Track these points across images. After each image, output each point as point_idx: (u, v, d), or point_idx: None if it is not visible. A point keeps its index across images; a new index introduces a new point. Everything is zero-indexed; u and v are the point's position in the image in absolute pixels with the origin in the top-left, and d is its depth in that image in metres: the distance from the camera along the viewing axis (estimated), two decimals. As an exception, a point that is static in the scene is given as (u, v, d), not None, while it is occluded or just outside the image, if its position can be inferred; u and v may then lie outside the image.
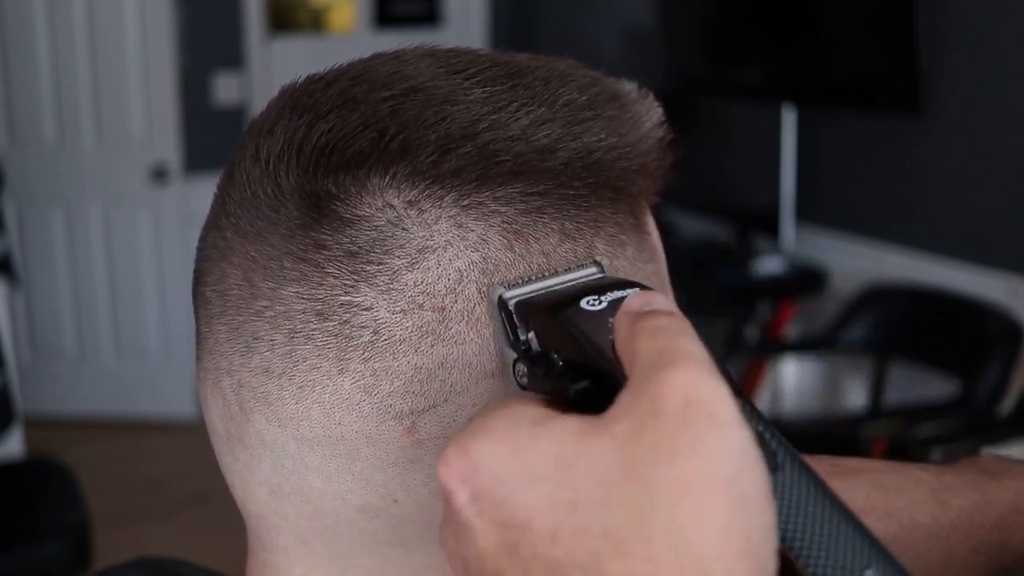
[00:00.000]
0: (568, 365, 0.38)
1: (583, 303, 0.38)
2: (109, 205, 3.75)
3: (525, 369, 0.39)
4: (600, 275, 0.41)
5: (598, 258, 0.41)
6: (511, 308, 0.40)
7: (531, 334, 0.39)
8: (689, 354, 0.33)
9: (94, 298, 3.82)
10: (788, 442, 0.35)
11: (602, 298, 0.38)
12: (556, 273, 0.41)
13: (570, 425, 0.33)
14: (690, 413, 0.31)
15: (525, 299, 0.40)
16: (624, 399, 0.33)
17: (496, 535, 0.33)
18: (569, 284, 0.40)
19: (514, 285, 0.40)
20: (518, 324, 0.40)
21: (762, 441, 0.34)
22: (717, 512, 0.30)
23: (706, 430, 0.31)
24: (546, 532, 0.32)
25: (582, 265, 0.41)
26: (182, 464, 3.50)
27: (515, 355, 0.40)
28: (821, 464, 0.46)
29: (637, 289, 0.39)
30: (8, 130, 3.68)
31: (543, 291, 0.40)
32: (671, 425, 0.31)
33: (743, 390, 0.36)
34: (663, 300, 0.36)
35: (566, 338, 0.38)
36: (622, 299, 0.38)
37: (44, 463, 2.58)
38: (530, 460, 0.33)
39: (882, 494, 0.46)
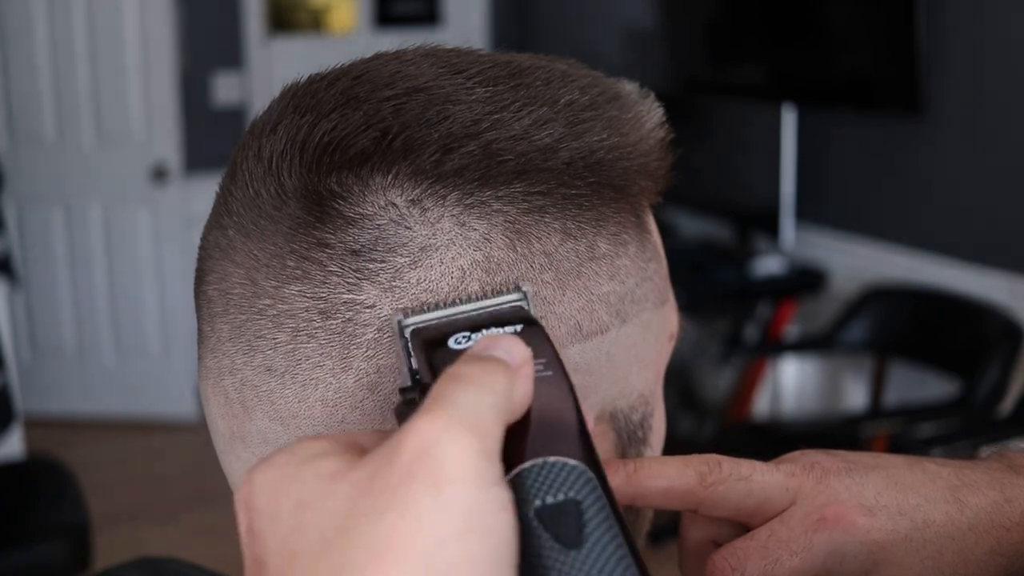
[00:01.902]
0: None
1: (451, 342, 0.37)
2: (109, 205, 3.75)
3: (398, 400, 0.38)
4: (512, 305, 0.39)
5: (524, 287, 0.39)
6: (407, 336, 0.39)
7: (415, 366, 0.38)
8: (452, 404, 0.31)
9: (94, 298, 3.82)
10: (621, 526, 0.33)
11: (474, 336, 0.37)
12: (471, 299, 0.39)
13: (327, 466, 0.31)
14: (417, 467, 0.29)
15: (419, 328, 0.38)
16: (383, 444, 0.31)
17: (251, 568, 0.32)
18: (472, 313, 0.39)
19: (421, 311, 0.39)
20: (411, 353, 0.38)
21: (557, 512, 0.32)
22: None
23: (424, 487, 0.29)
24: None
25: (503, 292, 0.39)
26: (182, 464, 3.50)
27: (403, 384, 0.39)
28: (834, 459, 0.46)
29: (518, 327, 0.38)
30: (8, 130, 3.68)
31: (441, 320, 0.39)
32: (396, 477, 0.29)
33: (595, 457, 0.34)
34: (511, 347, 0.34)
35: (433, 375, 0.36)
36: (492, 336, 0.37)
37: (44, 463, 2.58)
38: (281, 498, 0.31)
39: (895, 491, 0.45)
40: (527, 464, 0.34)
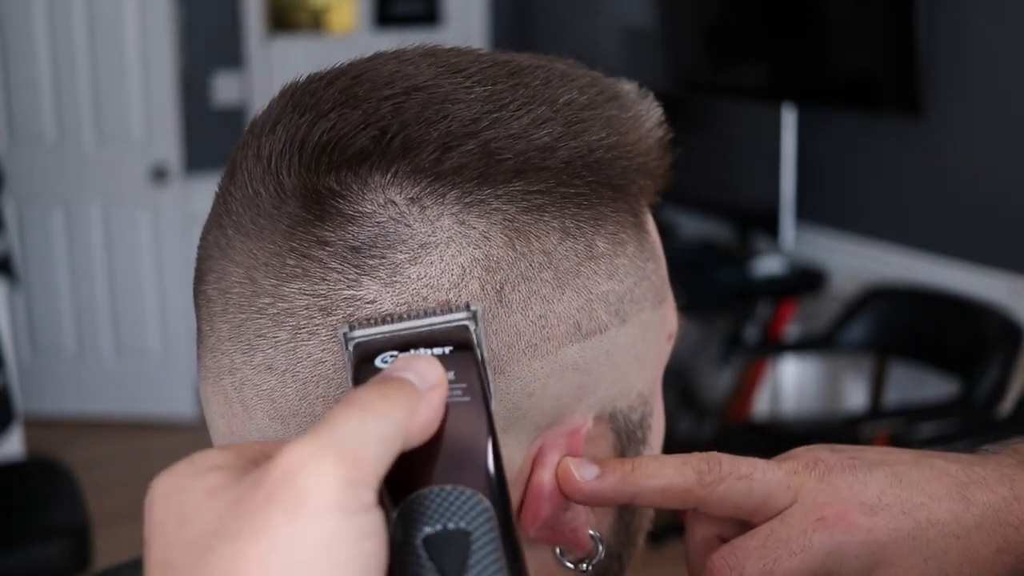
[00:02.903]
0: None
1: (378, 360, 0.37)
2: (109, 205, 3.75)
3: None
4: (456, 324, 0.39)
5: (474, 307, 0.39)
6: (350, 349, 0.39)
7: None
8: (329, 430, 0.31)
9: (94, 298, 3.82)
10: (512, 564, 0.32)
11: (401, 355, 0.37)
12: (421, 315, 0.39)
13: (212, 480, 0.32)
14: (278, 492, 0.29)
15: (362, 342, 0.38)
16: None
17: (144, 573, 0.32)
18: (412, 331, 0.38)
19: (368, 324, 0.39)
20: (353, 366, 0.38)
21: (445, 541, 0.32)
22: None
23: (282, 513, 0.29)
24: None
25: (457, 309, 0.39)
26: (182, 464, 3.49)
27: None
28: (838, 456, 0.45)
29: (447, 349, 0.37)
30: (8, 130, 3.68)
31: (382, 335, 0.38)
32: (258, 500, 0.30)
33: (500, 489, 0.34)
34: (423, 369, 0.35)
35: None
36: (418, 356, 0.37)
37: (44, 463, 2.58)
38: (168, 508, 0.32)
39: (899, 489, 0.44)
40: (424, 490, 0.34)
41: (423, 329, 0.39)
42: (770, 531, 0.44)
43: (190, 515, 0.31)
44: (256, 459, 0.33)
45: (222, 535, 0.30)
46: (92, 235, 3.77)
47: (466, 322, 0.39)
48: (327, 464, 0.30)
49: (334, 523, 0.29)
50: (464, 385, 0.37)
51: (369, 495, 0.31)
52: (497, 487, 0.34)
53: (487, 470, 0.34)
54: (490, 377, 0.39)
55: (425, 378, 0.34)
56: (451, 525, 0.33)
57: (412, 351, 0.37)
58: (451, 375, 0.36)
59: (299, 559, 0.29)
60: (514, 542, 0.33)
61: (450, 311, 0.39)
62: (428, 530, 0.33)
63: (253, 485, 0.30)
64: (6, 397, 2.59)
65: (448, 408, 0.36)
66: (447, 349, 0.38)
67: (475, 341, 0.38)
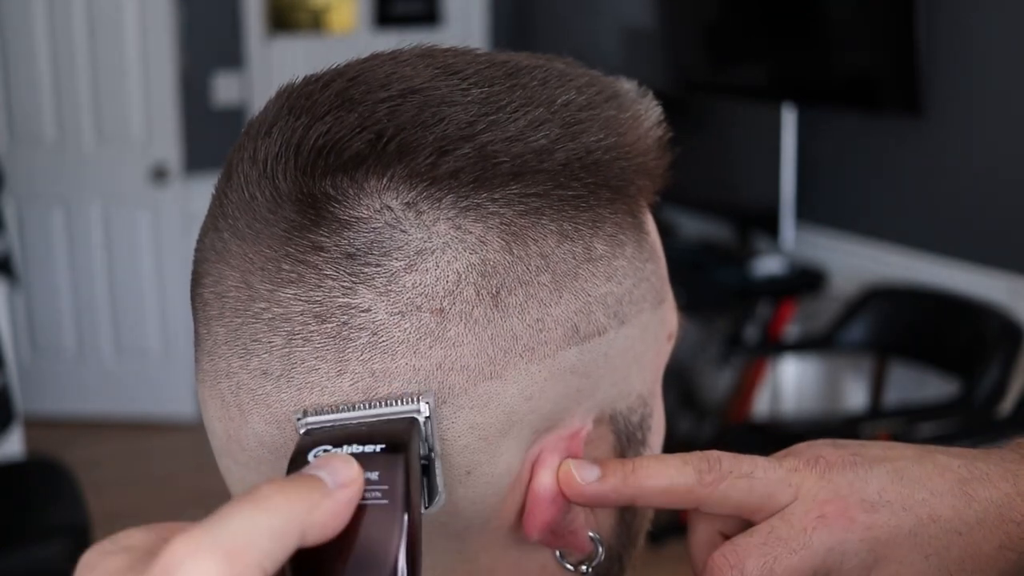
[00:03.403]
0: None
1: (310, 455, 0.37)
2: (109, 205, 3.75)
3: None
4: (405, 417, 0.39)
5: (428, 399, 0.39)
6: (300, 434, 0.39)
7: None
8: (216, 524, 0.31)
9: (94, 298, 3.82)
10: None
11: (332, 451, 0.37)
12: (373, 405, 0.39)
13: (115, 564, 0.32)
14: None
15: (312, 429, 0.39)
16: None
17: None
18: (359, 422, 0.39)
19: (323, 411, 0.39)
20: (291, 458, 0.38)
21: None
22: None
23: None
24: None
25: (410, 401, 0.39)
26: (182, 464, 3.50)
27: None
28: (839, 452, 0.45)
29: (377, 448, 0.37)
30: (8, 130, 3.68)
31: (332, 424, 0.39)
32: None
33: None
34: (337, 468, 0.35)
35: None
36: (344, 455, 0.36)
37: (44, 463, 2.58)
38: None
39: (900, 486, 0.44)
40: None
41: (369, 420, 0.39)
42: (770, 528, 0.44)
43: None
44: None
45: None
46: (92, 235, 3.77)
47: (414, 415, 0.39)
48: (205, 560, 0.30)
49: None
50: (385, 487, 0.36)
51: None
52: None
53: (393, 574, 0.34)
54: (439, 474, 0.39)
55: (336, 477, 0.35)
56: None
57: (344, 447, 0.37)
58: (374, 475, 0.36)
59: None
60: None
61: (404, 402, 0.39)
62: None
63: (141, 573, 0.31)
64: (6, 397, 2.59)
65: (362, 509, 0.35)
66: (378, 447, 0.37)
67: (416, 439, 0.38)
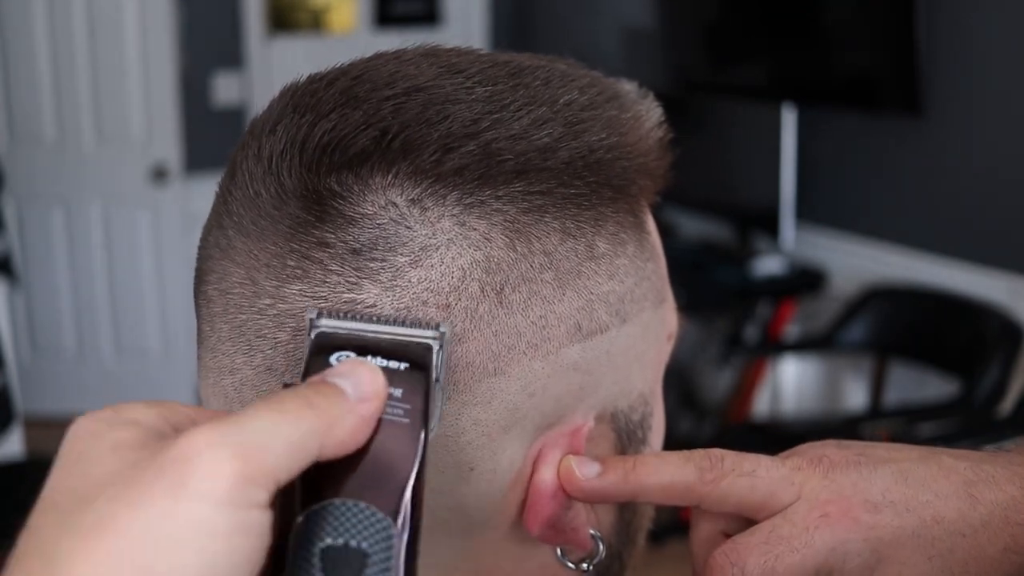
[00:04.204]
0: None
1: (332, 357, 0.37)
2: (109, 205, 3.75)
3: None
4: (421, 341, 0.38)
5: (443, 328, 0.38)
6: (312, 336, 0.38)
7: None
8: (237, 422, 0.31)
9: (94, 298, 3.82)
10: None
11: (354, 359, 0.37)
12: (394, 323, 0.38)
13: (122, 436, 0.32)
14: (170, 469, 0.30)
15: (326, 332, 0.38)
16: None
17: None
18: (377, 335, 0.38)
19: (337, 315, 0.38)
20: (309, 348, 0.38)
21: (341, 557, 0.32)
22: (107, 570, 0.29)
23: (165, 491, 0.30)
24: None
25: (428, 326, 0.38)
26: (182, 464, 3.49)
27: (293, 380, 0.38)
28: (843, 452, 0.45)
29: (401, 366, 0.37)
30: (8, 130, 3.68)
31: (346, 331, 0.38)
32: (150, 472, 0.30)
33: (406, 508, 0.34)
34: (363, 380, 0.35)
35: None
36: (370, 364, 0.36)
37: (44, 463, 2.57)
38: (76, 447, 0.33)
39: (904, 486, 0.44)
40: (336, 500, 0.34)
41: (387, 336, 0.38)
42: (772, 527, 0.43)
43: (89, 462, 0.32)
44: (178, 427, 0.34)
45: (105, 492, 0.31)
46: (92, 235, 3.77)
47: (431, 341, 0.38)
48: (223, 455, 0.30)
49: (212, 513, 0.30)
50: (407, 406, 0.36)
51: (260, 495, 0.31)
52: (411, 515, 0.34)
53: (403, 495, 0.34)
54: (439, 403, 0.39)
55: (361, 389, 0.34)
56: (352, 542, 0.33)
57: (368, 357, 0.37)
58: (398, 392, 0.36)
59: (164, 536, 0.29)
60: (412, 574, 0.33)
61: (422, 326, 0.39)
62: (329, 541, 0.33)
63: (152, 455, 0.31)
64: (6, 397, 2.59)
65: (382, 424, 0.35)
66: (403, 365, 0.37)
67: (433, 363, 0.38)
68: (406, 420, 0.36)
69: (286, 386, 0.37)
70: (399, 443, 0.35)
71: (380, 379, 0.35)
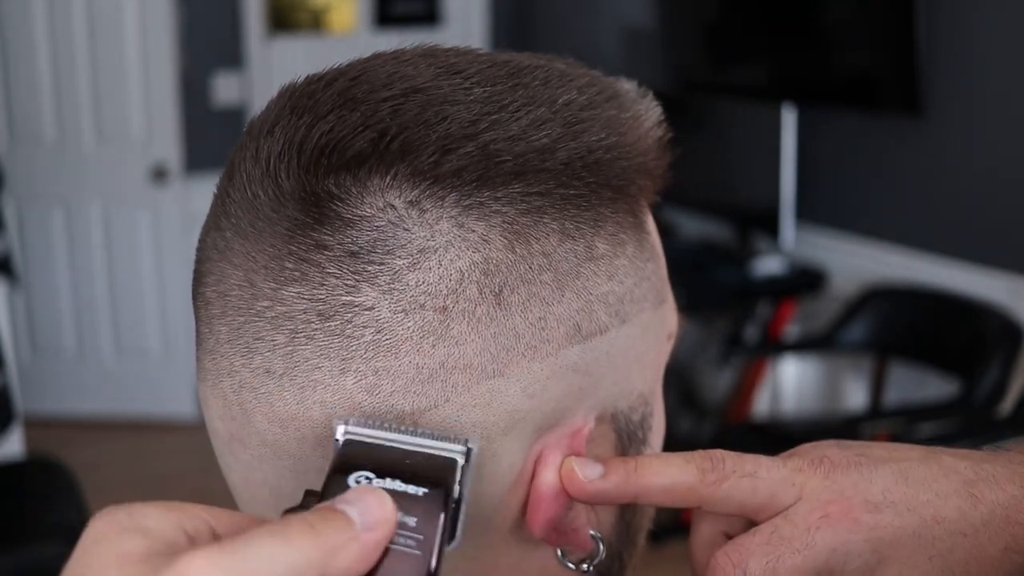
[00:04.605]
0: None
1: (351, 478, 0.36)
2: (109, 205, 3.75)
3: (298, 503, 0.37)
4: (449, 457, 0.38)
5: (472, 444, 0.38)
6: (339, 440, 0.38)
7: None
8: (237, 550, 0.31)
9: (94, 298, 3.82)
10: None
11: (374, 483, 0.36)
12: (420, 434, 0.38)
13: (126, 545, 0.32)
14: None
15: (351, 440, 0.38)
16: None
17: None
18: (403, 449, 0.38)
19: (366, 424, 0.38)
20: (332, 462, 0.38)
21: None
22: None
23: None
24: None
25: (456, 440, 0.38)
26: (183, 464, 3.50)
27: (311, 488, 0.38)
28: (844, 453, 0.45)
29: (420, 492, 0.36)
30: (8, 130, 3.68)
31: (372, 441, 0.38)
32: None
33: None
34: (371, 508, 0.34)
35: (320, 497, 0.36)
36: (388, 490, 0.35)
37: (44, 463, 2.58)
38: (88, 555, 0.32)
39: (905, 486, 0.44)
40: None
41: (412, 449, 0.38)
42: (774, 528, 0.43)
43: (95, 570, 0.32)
44: (195, 535, 0.33)
45: None
46: (92, 235, 3.77)
47: (457, 456, 0.38)
48: None
49: None
50: (420, 537, 0.35)
51: None
52: None
53: None
54: (463, 520, 0.38)
55: (368, 517, 0.34)
56: None
57: (387, 479, 0.36)
58: (411, 521, 0.35)
59: None
60: None
61: (451, 440, 0.38)
62: None
63: (154, 569, 0.31)
64: (6, 397, 2.59)
65: (389, 554, 0.34)
66: (421, 490, 0.36)
67: (456, 483, 0.37)
68: (416, 552, 0.35)
69: (307, 494, 0.37)
70: (403, 573, 0.34)
71: (389, 507, 0.34)
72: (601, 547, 0.46)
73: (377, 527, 0.34)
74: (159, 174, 3.68)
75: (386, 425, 0.38)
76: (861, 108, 2.79)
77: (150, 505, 0.34)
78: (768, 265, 2.98)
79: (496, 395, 0.41)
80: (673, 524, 2.56)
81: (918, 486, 0.44)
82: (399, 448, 0.38)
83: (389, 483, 0.36)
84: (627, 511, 0.49)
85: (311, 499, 0.36)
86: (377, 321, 0.40)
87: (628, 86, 0.47)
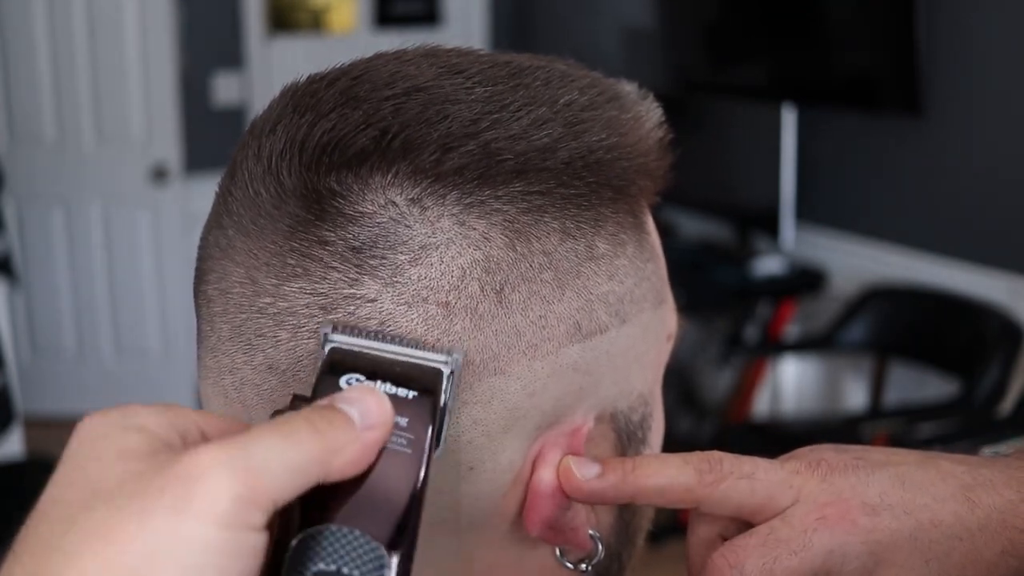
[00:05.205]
0: None
1: (343, 380, 0.37)
2: (109, 205, 3.75)
3: (286, 403, 0.37)
4: (434, 365, 0.38)
5: (456, 354, 0.39)
6: (325, 350, 0.39)
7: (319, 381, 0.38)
8: (241, 445, 0.32)
9: (94, 298, 3.82)
10: None
11: (367, 384, 0.37)
12: (405, 343, 0.39)
13: (128, 442, 0.33)
14: (172, 487, 0.31)
15: (339, 347, 0.38)
16: None
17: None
18: (390, 357, 0.38)
19: (353, 332, 0.39)
20: (321, 366, 0.38)
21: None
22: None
23: (165, 507, 0.30)
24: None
25: (440, 351, 0.39)
26: (182, 464, 3.49)
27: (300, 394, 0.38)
28: (841, 456, 0.45)
29: (409, 394, 0.37)
30: (8, 130, 3.68)
31: (360, 349, 0.38)
32: (153, 487, 0.31)
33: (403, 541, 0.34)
34: (369, 409, 0.35)
35: (311, 399, 0.36)
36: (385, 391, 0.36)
37: (44, 463, 2.58)
38: (83, 447, 0.33)
39: (902, 490, 0.44)
40: (332, 526, 0.34)
41: (399, 358, 0.38)
42: (771, 530, 0.44)
43: (95, 466, 0.32)
44: (186, 436, 0.34)
45: (107, 500, 0.31)
46: (92, 235, 3.77)
47: (442, 367, 0.38)
48: (225, 477, 0.31)
49: (209, 533, 0.30)
50: (411, 436, 0.36)
51: (258, 517, 0.31)
52: (405, 547, 0.34)
53: (396, 526, 0.34)
54: (446, 428, 0.39)
55: (367, 417, 0.35)
56: (344, 569, 0.33)
57: (378, 382, 0.37)
58: (403, 421, 0.36)
59: (162, 552, 0.30)
60: None
61: (435, 350, 0.39)
62: (321, 567, 0.34)
63: (157, 469, 0.31)
64: (6, 397, 2.59)
65: (384, 453, 0.35)
66: (411, 393, 0.37)
67: (442, 389, 0.38)
68: (408, 450, 0.36)
69: (295, 397, 0.37)
70: (399, 472, 0.36)
71: (387, 408, 0.36)
72: (600, 547, 0.46)
73: (376, 427, 0.35)
74: (159, 174, 3.68)
75: (372, 335, 0.39)
76: (861, 108, 2.80)
77: (141, 406, 0.34)
78: (768, 265, 2.98)
79: (496, 393, 0.41)
80: (672, 525, 2.56)
81: (915, 490, 0.44)
82: (386, 356, 0.38)
83: (380, 385, 0.37)
84: (626, 511, 0.49)
85: (300, 403, 0.36)
86: (380, 313, 0.40)
87: (629, 87, 0.47)
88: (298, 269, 0.41)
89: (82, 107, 3.67)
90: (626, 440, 0.47)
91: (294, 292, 0.41)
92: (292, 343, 0.41)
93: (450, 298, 0.40)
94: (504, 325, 0.41)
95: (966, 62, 2.53)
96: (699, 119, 3.25)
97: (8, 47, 3.64)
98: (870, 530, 0.43)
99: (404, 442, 0.36)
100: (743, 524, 0.45)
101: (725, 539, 0.46)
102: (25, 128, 3.69)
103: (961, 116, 2.56)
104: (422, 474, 0.36)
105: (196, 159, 3.70)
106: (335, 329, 0.39)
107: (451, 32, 4.04)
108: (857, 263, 2.87)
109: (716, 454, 0.45)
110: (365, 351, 0.38)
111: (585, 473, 0.43)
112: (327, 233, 0.40)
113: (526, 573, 0.46)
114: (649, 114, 0.46)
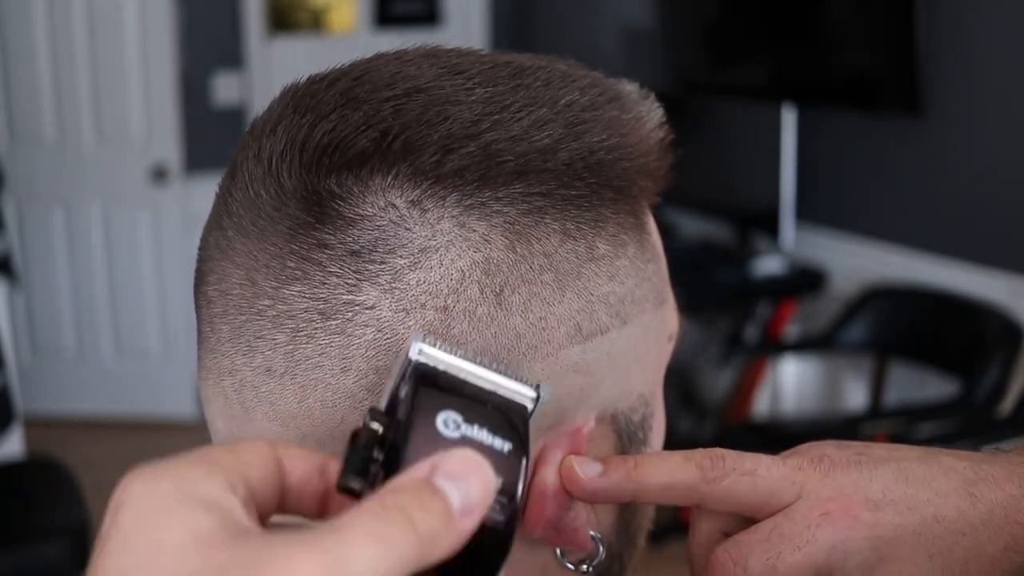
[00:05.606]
0: (382, 458, 0.34)
1: (439, 420, 0.35)
2: (109, 205, 3.75)
3: (364, 418, 0.35)
4: (519, 402, 0.37)
5: (543, 391, 0.38)
6: (411, 360, 0.37)
7: (402, 398, 0.36)
8: (341, 555, 0.29)
9: (94, 298, 3.82)
10: None
11: (463, 428, 0.35)
12: (497, 370, 0.37)
13: (200, 524, 0.30)
14: None
15: (427, 364, 0.37)
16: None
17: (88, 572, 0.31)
18: (481, 386, 0.37)
19: (441, 347, 0.37)
20: (402, 379, 0.37)
21: None
22: None
23: None
24: None
25: (528, 384, 0.37)
26: (182, 464, 3.49)
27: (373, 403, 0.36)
28: (843, 452, 0.45)
29: (505, 448, 0.35)
30: (8, 130, 3.68)
31: (450, 368, 0.37)
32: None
33: None
34: (471, 490, 0.32)
35: (401, 433, 0.35)
36: (477, 442, 0.34)
37: (44, 463, 2.58)
38: (143, 527, 0.31)
39: (905, 485, 0.44)
40: None
41: (489, 388, 0.37)
42: (774, 525, 0.43)
43: (166, 552, 0.30)
44: (247, 499, 0.32)
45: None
46: (92, 235, 3.77)
47: (528, 403, 0.37)
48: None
49: None
50: (504, 500, 0.34)
51: None
52: None
53: None
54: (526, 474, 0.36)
55: (469, 501, 0.32)
56: None
57: (475, 427, 0.35)
58: (498, 482, 0.33)
59: None
60: None
61: (520, 379, 0.37)
62: None
63: (243, 568, 0.29)
64: (6, 397, 2.59)
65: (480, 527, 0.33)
66: (506, 447, 0.35)
67: (528, 435, 0.36)
68: (500, 517, 0.34)
69: (372, 411, 0.35)
70: (491, 545, 0.34)
71: (490, 488, 0.33)
72: (600, 547, 0.46)
73: (475, 511, 0.32)
74: (159, 174, 3.68)
75: (455, 351, 0.37)
76: (861, 108, 2.79)
77: (189, 465, 0.32)
78: (768, 265, 2.98)
79: None
80: (673, 524, 2.56)
81: (918, 485, 0.44)
82: (474, 384, 0.37)
83: (476, 431, 0.35)
84: (627, 511, 0.49)
85: (381, 417, 0.35)
86: (378, 320, 0.40)
87: (630, 88, 0.47)
88: (297, 272, 0.40)
89: (82, 107, 3.67)
90: (627, 441, 0.47)
91: (293, 295, 0.41)
92: (290, 347, 0.41)
93: (448, 302, 0.40)
94: (504, 327, 0.41)
95: (966, 62, 2.53)
96: (699, 119, 3.25)
97: (8, 47, 3.64)
98: (873, 525, 0.43)
99: (497, 507, 0.34)
100: (745, 521, 0.45)
101: (728, 536, 0.45)
102: (25, 128, 3.69)
103: (961, 116, 2.56)
104: (511, 545, 0.34)
105: (196, 159, 3.70)
106: (425, 338, 0.37)
107: (451, 32, 4.04)
108: (857, 263, 2.87)
109: (718, 451, 0.45)
110: (452, 371, 0.36)
111: (587, 472, 0.43)
112: (327, 236, 0.40)
113: (527, 573, 0.46)
114: (650, 114, 0.46)
